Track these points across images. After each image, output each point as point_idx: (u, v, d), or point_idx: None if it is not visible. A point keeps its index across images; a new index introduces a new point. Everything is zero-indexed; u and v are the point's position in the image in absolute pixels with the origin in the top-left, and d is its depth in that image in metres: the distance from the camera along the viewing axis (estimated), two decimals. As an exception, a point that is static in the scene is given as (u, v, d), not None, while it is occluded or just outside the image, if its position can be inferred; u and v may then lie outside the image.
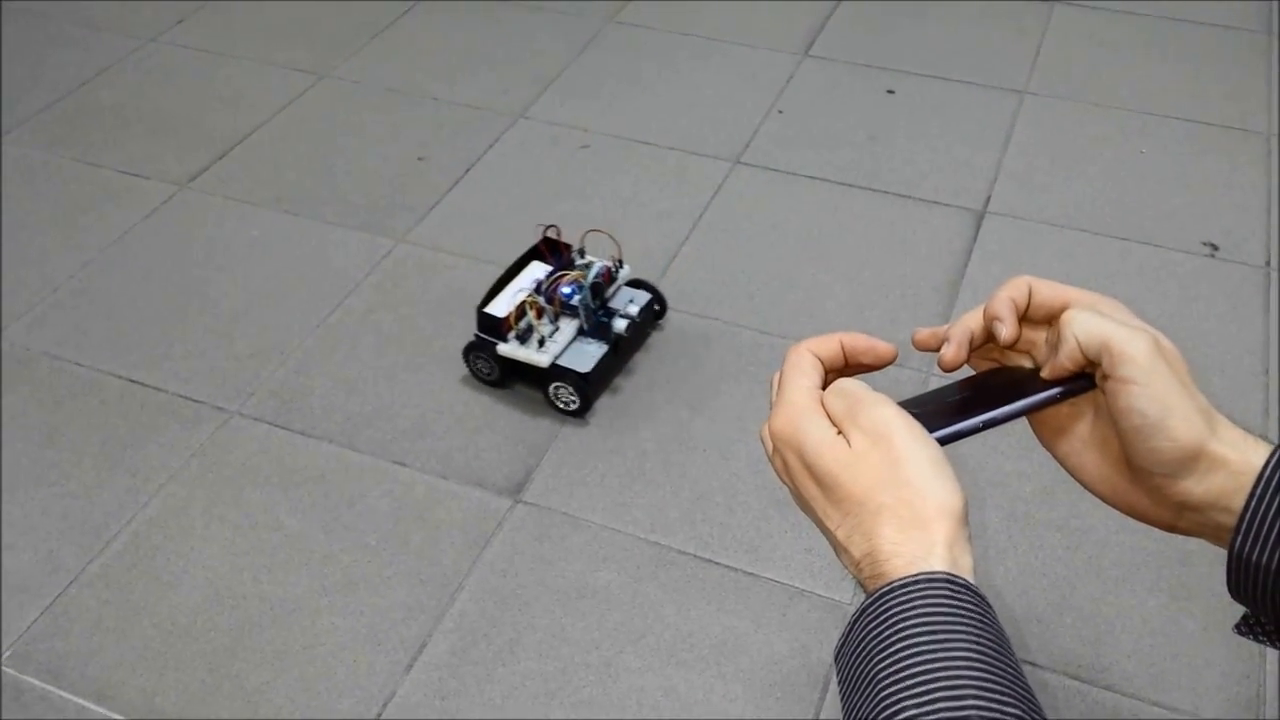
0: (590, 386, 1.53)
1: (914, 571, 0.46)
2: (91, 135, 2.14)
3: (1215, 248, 1.82)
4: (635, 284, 1.66)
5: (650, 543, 1.40)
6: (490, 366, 1.58)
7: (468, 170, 2.03)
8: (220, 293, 1.79)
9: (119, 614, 1.34)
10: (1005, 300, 0.57)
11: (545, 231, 1.62)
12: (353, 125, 2.16)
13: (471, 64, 2.33)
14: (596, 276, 1.56)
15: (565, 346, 1.54)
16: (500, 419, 1.56)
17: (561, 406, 1.56)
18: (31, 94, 2.26)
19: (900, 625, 0.44)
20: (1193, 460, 0.50)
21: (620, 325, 1.56)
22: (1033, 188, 1.97)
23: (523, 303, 1.53)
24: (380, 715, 1.23)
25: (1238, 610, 0.54)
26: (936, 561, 0.46)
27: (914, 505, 0.48)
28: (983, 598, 0.46)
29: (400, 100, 2.23)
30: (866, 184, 1.98)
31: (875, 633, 0.44)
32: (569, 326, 1.55)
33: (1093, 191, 1.96)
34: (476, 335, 1.57)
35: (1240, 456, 0.50)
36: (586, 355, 1.54)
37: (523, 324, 1.52)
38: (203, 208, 1.97)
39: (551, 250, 1.62)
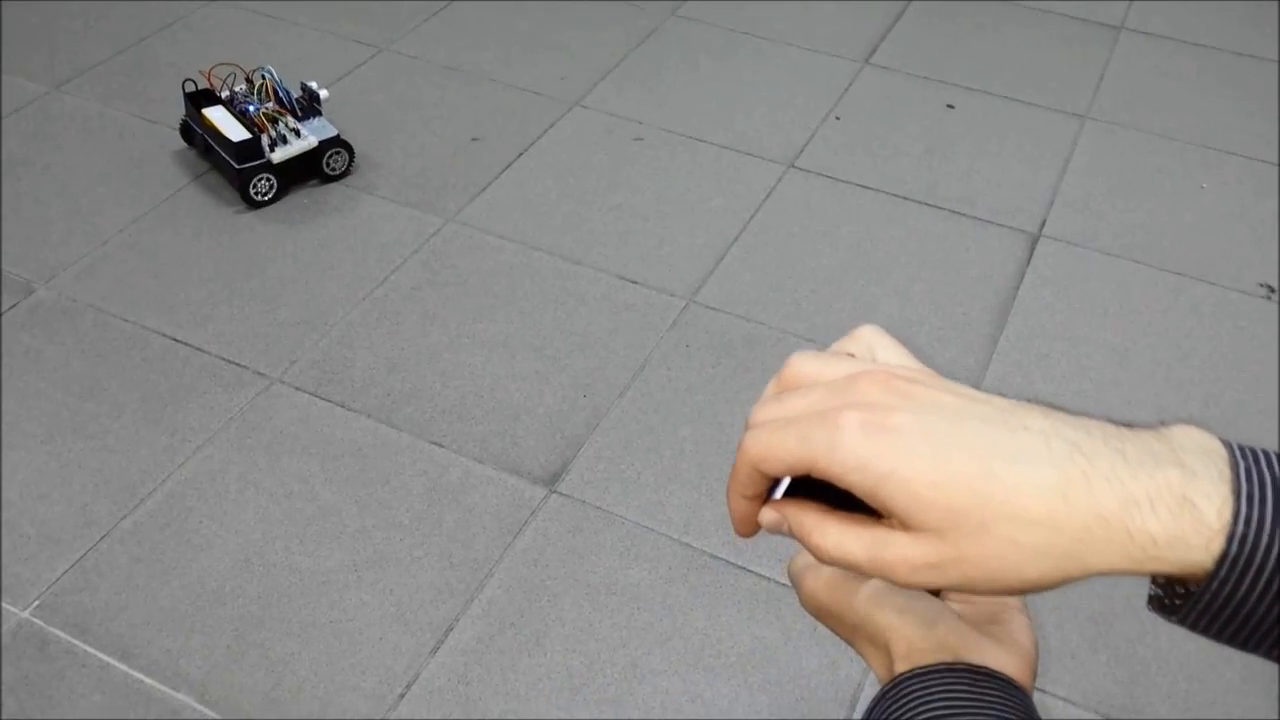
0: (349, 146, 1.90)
1: (927, 663, 0.45)
2: (150, 91, 2.13)
3: (1273, 290, 1.79)
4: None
5: (683, 544, 1.39)
6: (269, 183, 1.84)
7: (521, 154, 2.02)
8: (268, 258, 1.78)
9: (149, 573, 1.34)
10: (734, 499, 0.44)
11: (185, 87, 1.89)
12: (409, 101, 2.15)
13: (531, 48, 2.32)
14: (275, 78, 1.90)
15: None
16: (537, 405, 1.55)
17: (336, 172, 1.90)
18: (91, 45, 2.26)
19: (920, 707, 0.43)
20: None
21: (324, 93, 1.90)
22: (1089, 214, 1.94)
23: (257, 119, 1.83)
24: (403, 695, 1.23)
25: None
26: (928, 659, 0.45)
27: (861, 633, 0.48)
28: (1009, 683, 0.45)
29: (458, 79, 2.22)
30: (921, 198, 1.96)
31: (895, 714, 0.44)
32: (291, 122, 1.87)
33: (1150, 222, 1.93)
34: (241, 169, 1.81)
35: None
36: (323, 126, 1.90)
37: (277, 130, 1.83)
38: (255, 172, 1.96)
39: (204, 96, 1.90)
